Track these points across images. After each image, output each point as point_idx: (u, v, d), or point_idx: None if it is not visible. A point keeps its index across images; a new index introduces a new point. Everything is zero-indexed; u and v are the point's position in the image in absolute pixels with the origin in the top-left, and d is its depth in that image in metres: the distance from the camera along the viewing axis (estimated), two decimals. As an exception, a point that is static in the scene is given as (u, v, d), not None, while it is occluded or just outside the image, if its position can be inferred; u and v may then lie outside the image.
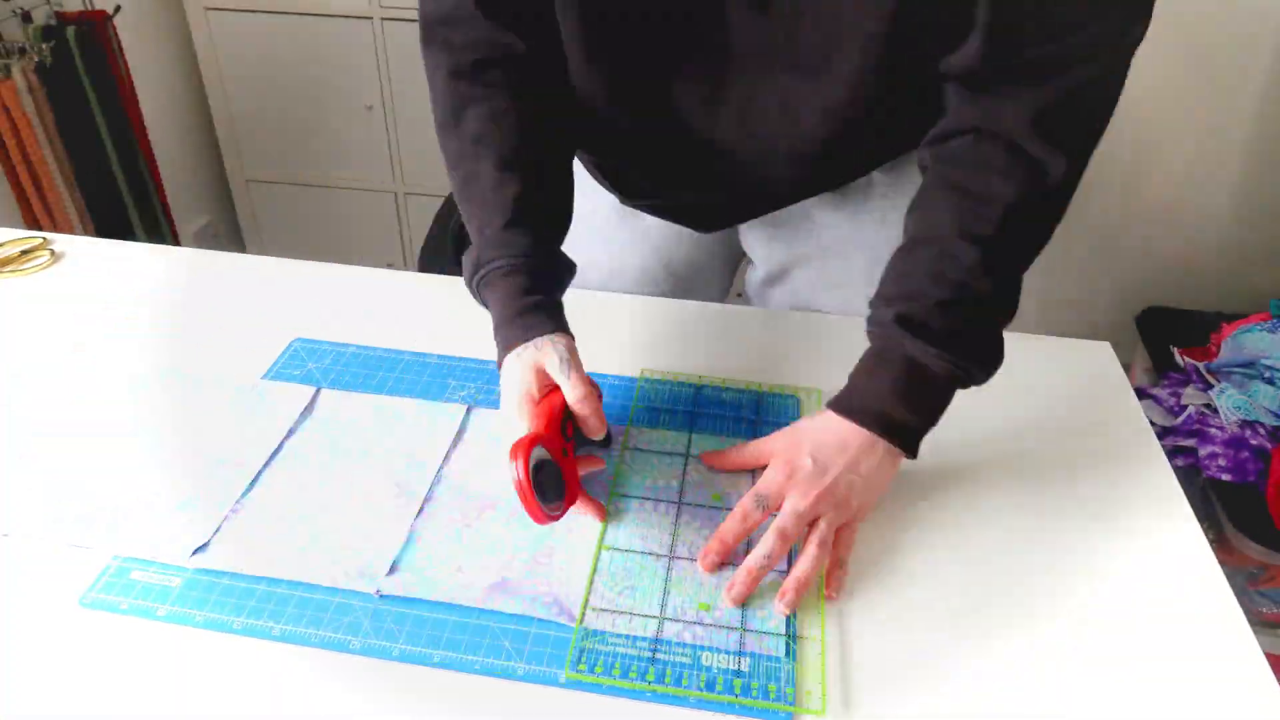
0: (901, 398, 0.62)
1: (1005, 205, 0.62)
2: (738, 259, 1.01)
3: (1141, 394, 1.53)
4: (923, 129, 0.68)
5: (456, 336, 0.83)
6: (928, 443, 0.64)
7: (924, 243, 0.64)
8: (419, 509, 0.65)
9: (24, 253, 0.94)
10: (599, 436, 0.64)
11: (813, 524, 0.61)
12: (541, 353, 0.64)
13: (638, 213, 0.91)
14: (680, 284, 0.96)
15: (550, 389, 0.64)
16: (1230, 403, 1.46)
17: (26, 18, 1.58)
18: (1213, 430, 1.44)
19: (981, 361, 0.64)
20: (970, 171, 0.63)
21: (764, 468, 0.64)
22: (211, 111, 2.05)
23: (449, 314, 0.88)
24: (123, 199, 1.82)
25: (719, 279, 1.00)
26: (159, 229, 1.92)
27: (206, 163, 2.17)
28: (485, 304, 0.69)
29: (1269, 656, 0.57)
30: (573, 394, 0.63)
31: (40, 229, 1.19)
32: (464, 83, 0.69)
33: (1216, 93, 1.75)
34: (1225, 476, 1.39)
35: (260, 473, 0.68)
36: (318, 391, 0.76)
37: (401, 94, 1.96)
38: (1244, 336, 1.55)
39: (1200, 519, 0.67)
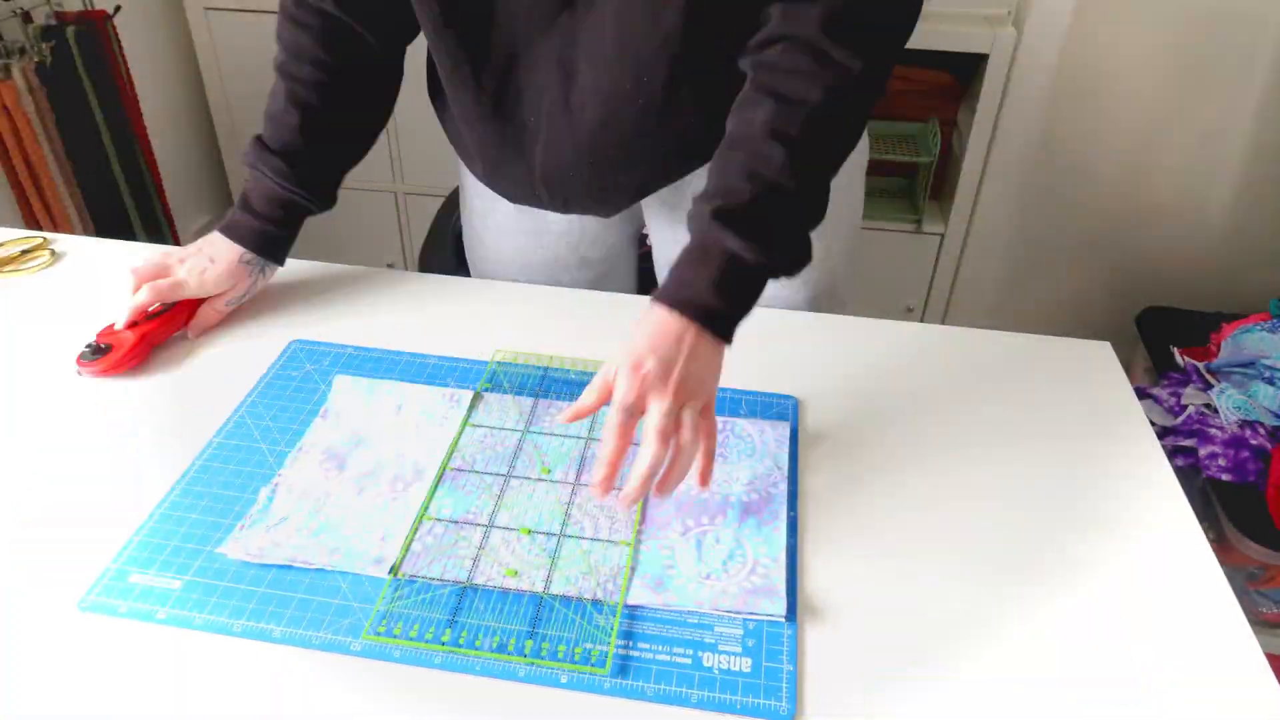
0: (721, 290, 0.65)
1: (810, 107, 0.66)
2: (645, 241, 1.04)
3: (1141, 394, 1.53)
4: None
5: (456, 336, 0.83)
6: (929, 442, 0.63)
7: (739, 142, 0.68)
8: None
9: (24, 253, 0.94)
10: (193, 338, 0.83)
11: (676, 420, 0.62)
12: (251, 277, 0.85)
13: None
14: (595, 269, 0.99)
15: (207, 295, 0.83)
16: (1230, 403, 1.46)
17: (26, 18, 1.58)
18: (1213, 430, 1.44)
19: (792, 256, 0.68)
20: (781, 76, 0.67)
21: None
22: (211, 111, 2.05)
23: (449, 314, 0.88)
24: (123, 199, 1.82)
25: (631, 263, 1.04)
26: (159, 229, 1.92)
27: (206, 163, 2.17)
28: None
29: (1269, 656, 0.57)
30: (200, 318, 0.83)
31: (40, 229, 1.19)
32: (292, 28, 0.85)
33: (1216, 93, 1.75)
34: (1225, 476, 1.39)
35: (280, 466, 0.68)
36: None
37: (401, 94, 1.96)
38: (1244, 336, 1.55)
39: (1200, 519, 0.67)
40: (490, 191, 0.92)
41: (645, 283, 1.09)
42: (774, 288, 0.74)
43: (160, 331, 0.81)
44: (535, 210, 0.92)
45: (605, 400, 0.64)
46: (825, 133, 0.67)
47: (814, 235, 0.71)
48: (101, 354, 0.77)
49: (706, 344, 0.64)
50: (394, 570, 0.61)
